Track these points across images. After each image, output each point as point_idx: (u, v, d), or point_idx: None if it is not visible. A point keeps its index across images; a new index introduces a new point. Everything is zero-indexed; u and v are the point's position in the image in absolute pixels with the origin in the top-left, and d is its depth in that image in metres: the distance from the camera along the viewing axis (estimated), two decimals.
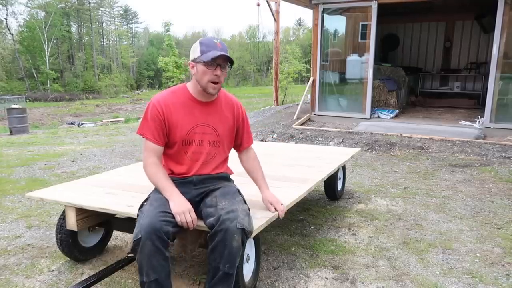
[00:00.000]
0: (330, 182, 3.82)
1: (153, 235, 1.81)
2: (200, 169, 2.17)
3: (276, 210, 2.22)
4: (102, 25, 57.68)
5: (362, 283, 2.44)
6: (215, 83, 2.04)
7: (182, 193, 2.12)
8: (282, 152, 4.20)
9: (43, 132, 10.89)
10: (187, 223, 1.93)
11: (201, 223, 2.04)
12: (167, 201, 2.01)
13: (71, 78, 45.32)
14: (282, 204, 2.25)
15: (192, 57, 2.07)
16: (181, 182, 2.15)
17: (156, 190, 2.12)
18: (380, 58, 10.67)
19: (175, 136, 2.10)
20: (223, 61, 2.02)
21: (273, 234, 3.16)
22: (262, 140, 7.11)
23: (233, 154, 2.38)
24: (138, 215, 1.96)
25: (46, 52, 41.96)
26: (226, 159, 2.31)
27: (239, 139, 2.32)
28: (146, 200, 2.08)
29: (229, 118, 2.22)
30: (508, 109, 7.31)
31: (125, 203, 2.37)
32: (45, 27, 42.47)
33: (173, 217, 1.94)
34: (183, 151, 2.14)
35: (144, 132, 2.10)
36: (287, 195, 2.59)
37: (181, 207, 1.95)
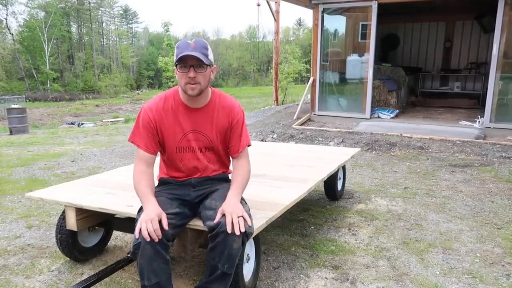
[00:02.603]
0: (330, 182, 3.82)
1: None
2: (197, 174, 2.16)
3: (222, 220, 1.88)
4: (102, 25, 57.69)
5: (362, 283, 2.44)
6: (192, 84, 1.94)
7: (182, 195, 2.12)
8: (282, 152, 4.20)
9: (43, 132, 10.89)
10: (148, 233, 1.79)
11: (200, 223, 2.04)
12: (166, 202, 2.00)
13: (71, 78, 45.32)
14: (240, 216, 1.88)
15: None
16: (180, 185, 2.15)
17: (155, 194, 2.11)
18: (380, 58, 10.66)
19: (168, 144, 2.09)
20: (196, 62, 1.91)
21: (273, 234, 3.16)
22: (262, 140, 7.11)
23: None
24: (136, 219, 1.94)
25: (46, 52, 41.97)
26: (225, 161, 2.28)
27: (229, 143, 2.17)
28: None
29: (223, 122, 2.13)
30: (508, 109, 7.30)
31: (125, 203, 2.37)
32: (45, 27, 42.47)
33: (173, 219, 1.93)
34: (178, 158, 2.12)
35: (135, 140, 2.07)
36: (287, 195, 2.59)
37: (144, 217, 1.83)
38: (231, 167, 2.34)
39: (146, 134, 2.05)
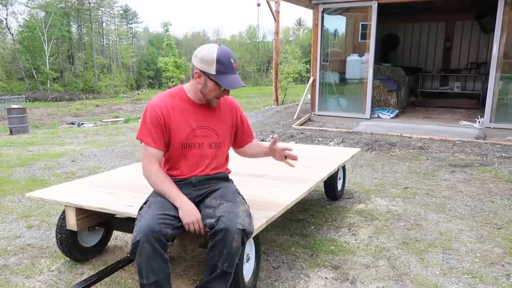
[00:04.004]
0: (330, 182, 3.82)
1: (152, 237, 1.80)
2: (200, 171, 2.16)
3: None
4: (102, 25, 57.72)
5: (362, 283, 2.44)
6: (219, 98, 2.08)
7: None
8: None
9: (43, 132, 10.89)
10: (194, 230, 1.98)
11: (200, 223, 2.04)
12: (167, 203, 2.01)
13: (71, 78, 45.35)
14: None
15: (202, 67, 1.96)
16: (180, 184, 2.15)
17: (155, 193, 2.11)
18: (380, 58, 10.67)
19: (174, 140, 2.08)
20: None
21: (273, 234, 3.16)
22: (262, 140, 7.11)
23: (231, 154, 2.37)
24: (137, 218, 1.95)
25: (46, 52, 42.00)
26: (226, 159, 2.31)
27: (239, 137, 2.33)
28: (145, 203, 2.08)
29: (228, 118, 2.21)
30: (508, 109, 7.30)
31: (125, 203, 2.37)
32: (45, 27, 42.50)
33: (173, 220, 1.93)
34: (182, 154, 2.12)
35: (144, 137, 2.05)
36: (287, 195, 2.59)
37: (190, 218, 1.97)
38: (231, 169, 2.36)
39: (155, 131, 2.04)
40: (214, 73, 1.95)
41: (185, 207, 1.98)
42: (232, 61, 1.99)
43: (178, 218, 1.98)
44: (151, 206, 1.98)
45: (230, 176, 2.35)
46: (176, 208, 2.00)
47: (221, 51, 1.97)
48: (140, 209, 2.03)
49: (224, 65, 1.95)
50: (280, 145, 2.24)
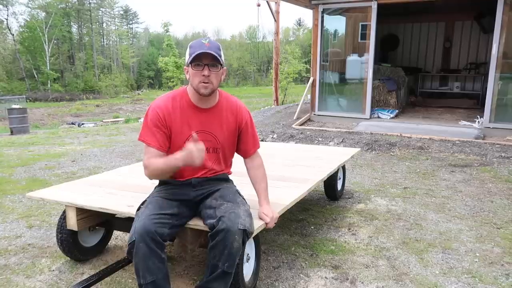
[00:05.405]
0: (330, 182, 3.83)
1: (147, 238, 1.81)
2: (199, 174, 2.16)
3: (266, 221, 2.11)
4: (103, 25, 57.70)
5: (362, 283, 2.45)
6: (206, 83, 1.95)
7: (181, 194, 2.11)
8: (282, 152, 4.21)
9: (44, 132, 10.90)
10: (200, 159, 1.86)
11: (200, 223, 2.05)
12: (164, 202, 2.01)
13: (72, 78, 45.35)
14: (275, 217, 2.15)
15: (185, 61, 2.03)
16: (180, 185, 2.15)
17: (153, 193, 2.11)
18: (380, 58, 10.67)
19: (174, 143, 2.07)
20: (211, 60, 1.94)
21: (273, 234, 3.17)
22: (262, 140, 7.12)
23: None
24: (134, 219, 1.95)
25: (47, 52, 42.00)
26: (228, 162, 2.28)
27: (242, 145, 2.24)
28: (143, 203, 2.08)
29: (231, 123, 2.15)
30: (508, 109, 7.31)
31: (125, 203, 2.38)
32: (45, 28, 42.52)
33: (170, 219, 1.93)
34: None
35: (146, 138, 2.03)
36: (287, 195, 2.60)
37: (193, 159, 1.85)
38: (231, 169, 2.35)
39: (158, 132, 2.02)
40: (188, 57, 1.96)
41: (178, 156, 1.88)
42: (204, 41, 1.96)
43: (175, 217, 1.98)
44: (148, 206, 1.99)
45: (231, 176, 2.35)
46: (173, 207, 2.00)
47: (196, 39, 2.02)
48: (138, 209, 2.04)
49: (194, 47, 1.95)
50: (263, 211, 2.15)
